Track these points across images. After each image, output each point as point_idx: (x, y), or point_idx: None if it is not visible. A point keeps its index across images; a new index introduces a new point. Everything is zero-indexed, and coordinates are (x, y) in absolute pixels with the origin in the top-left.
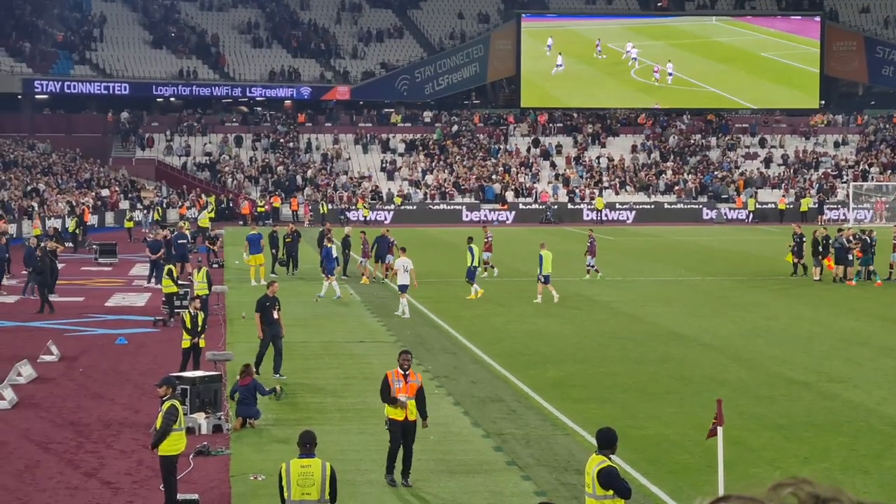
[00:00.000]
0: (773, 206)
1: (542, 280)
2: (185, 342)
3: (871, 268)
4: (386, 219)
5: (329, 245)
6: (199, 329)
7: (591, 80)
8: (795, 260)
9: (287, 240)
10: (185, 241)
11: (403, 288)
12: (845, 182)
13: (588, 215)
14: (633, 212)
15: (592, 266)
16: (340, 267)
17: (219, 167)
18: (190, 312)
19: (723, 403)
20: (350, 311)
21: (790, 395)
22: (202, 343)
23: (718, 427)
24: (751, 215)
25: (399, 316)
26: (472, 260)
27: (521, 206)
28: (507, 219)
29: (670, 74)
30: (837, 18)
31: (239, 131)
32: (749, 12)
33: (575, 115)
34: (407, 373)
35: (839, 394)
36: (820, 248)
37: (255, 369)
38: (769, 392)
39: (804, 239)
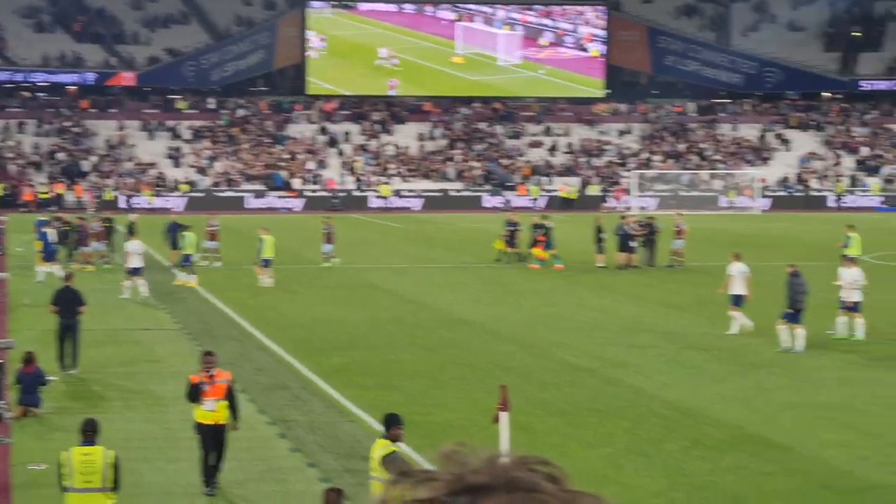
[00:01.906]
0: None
1: (263, 264)
2: None
3: (554, 252)
4: (176, 206)
5: (46, 230)
6: None
7: (374, 68)
8: (508, 248)
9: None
10: None
11: (136, 271)
12: (629, 170)
13: (375, 202)
14: (422, 199)
15: (330, 253)
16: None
17: (1, 153)
18: None
19: (508, 389)
20: (133, 298)
21: (574, 382)
22: None
23: (503, 413)
24: (536, 202)
25: (127, 299)
26: (186, 247)
27: (308, 193)
28: (297, 206)
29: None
30: (620, 8)
31: (21, 117)
32: (537, 0)
33: (358, 101)
34: (212, 374)
35: (622, 379)
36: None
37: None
38: (554, 378)
39: (519, 227)
